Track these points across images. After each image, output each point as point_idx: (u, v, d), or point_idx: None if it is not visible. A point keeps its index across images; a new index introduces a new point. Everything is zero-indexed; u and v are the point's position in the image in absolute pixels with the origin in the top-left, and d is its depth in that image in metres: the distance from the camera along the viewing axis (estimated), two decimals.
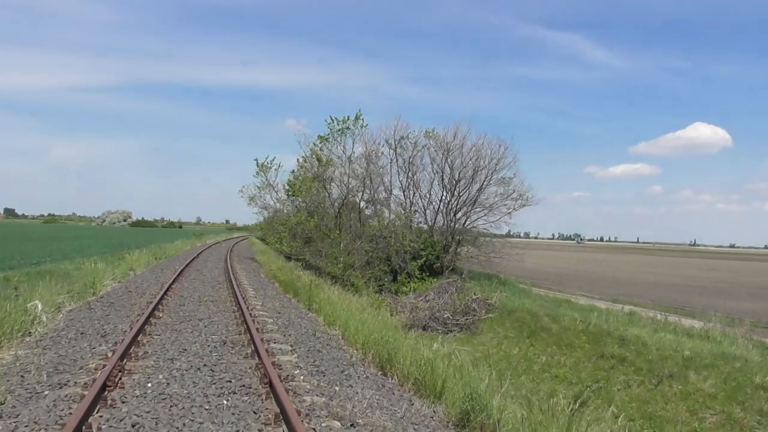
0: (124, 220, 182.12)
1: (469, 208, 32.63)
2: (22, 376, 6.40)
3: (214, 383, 6.21)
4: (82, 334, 8.78)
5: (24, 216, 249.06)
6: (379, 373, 8.52)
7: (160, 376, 6.38)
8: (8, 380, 6.23)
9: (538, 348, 16.03)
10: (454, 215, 32.65)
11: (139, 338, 8.29)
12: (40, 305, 10.70)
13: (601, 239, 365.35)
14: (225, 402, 5.56)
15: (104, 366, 6.38)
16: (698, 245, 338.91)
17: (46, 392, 5.71)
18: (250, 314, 10.70)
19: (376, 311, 14.30)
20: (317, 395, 6.10)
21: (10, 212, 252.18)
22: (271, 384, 6.09)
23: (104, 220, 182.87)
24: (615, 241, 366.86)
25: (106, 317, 10.37)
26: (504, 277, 32.34)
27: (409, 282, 28.00)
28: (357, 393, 6.54)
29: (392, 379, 8.11)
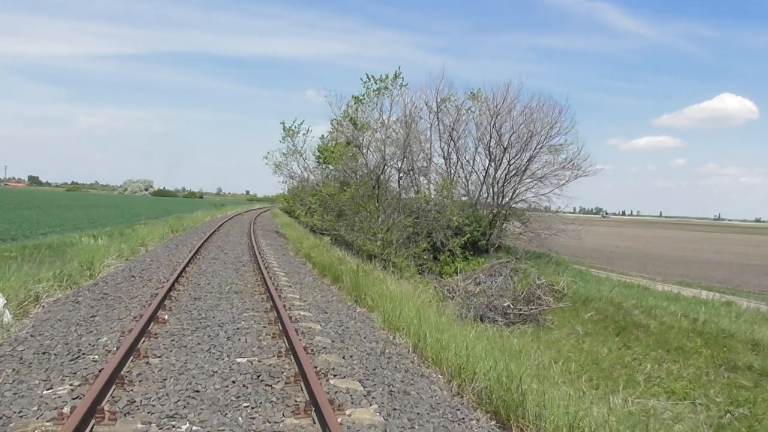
0: (146, 189, 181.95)
1: (518, 179, 29.10)
2: None
3: None
4: (44, 353, 5.87)
5: (48, 184, 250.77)
6: (494, 422, 5.53)
7: None
8: None
9: (637, 351, 12.86)
10: (501, 187, 29.17)
11: (126, 366, 5.36)
12: (2, 301, 7.87)
13: (623, 213, 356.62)
14: None
15: None
16: (722, 219, 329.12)
17: None
18: (290, 317, 7.74)
19: (440, 307, 11.29)
20: None
21: (34, 180, 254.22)
22: None
23: (126, 189, 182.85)
24: (638, 215, 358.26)
25: (91, 319, 7.47)
26: (556, 256, 28.95)
27: (453, 262, 24.87)
28: None
29: None
